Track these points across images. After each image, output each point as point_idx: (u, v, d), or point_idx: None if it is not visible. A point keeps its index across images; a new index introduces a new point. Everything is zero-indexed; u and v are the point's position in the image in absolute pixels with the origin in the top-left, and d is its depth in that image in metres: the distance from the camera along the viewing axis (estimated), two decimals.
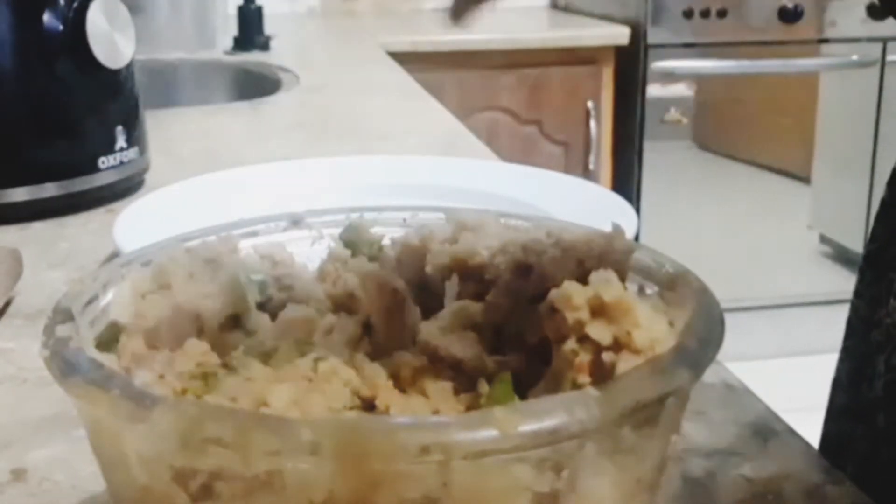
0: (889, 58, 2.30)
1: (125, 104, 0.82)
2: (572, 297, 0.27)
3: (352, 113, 1.20)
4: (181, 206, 0.67)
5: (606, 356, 0.26)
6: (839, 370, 0.56)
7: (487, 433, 0.22)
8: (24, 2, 0.74)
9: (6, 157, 0.75)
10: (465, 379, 0.28)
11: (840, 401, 0.55)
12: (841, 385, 0.56)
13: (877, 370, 0.50)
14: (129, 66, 0.81)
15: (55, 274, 0.64)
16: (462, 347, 0.29)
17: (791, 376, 2.05)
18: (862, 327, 0.53)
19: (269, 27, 1.81)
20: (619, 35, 2.20)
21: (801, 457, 0.41)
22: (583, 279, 0.28)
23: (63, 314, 0.29)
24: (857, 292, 0.55)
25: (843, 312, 0.56)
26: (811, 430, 0.51)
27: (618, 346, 0.26)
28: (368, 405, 0.27)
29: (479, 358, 0.29)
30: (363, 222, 0.37)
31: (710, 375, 0.45)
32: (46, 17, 0.74)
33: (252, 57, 1.72)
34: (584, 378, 0.26)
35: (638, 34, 2.19)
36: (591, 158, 2.23)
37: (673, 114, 2.26)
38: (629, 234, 0.55)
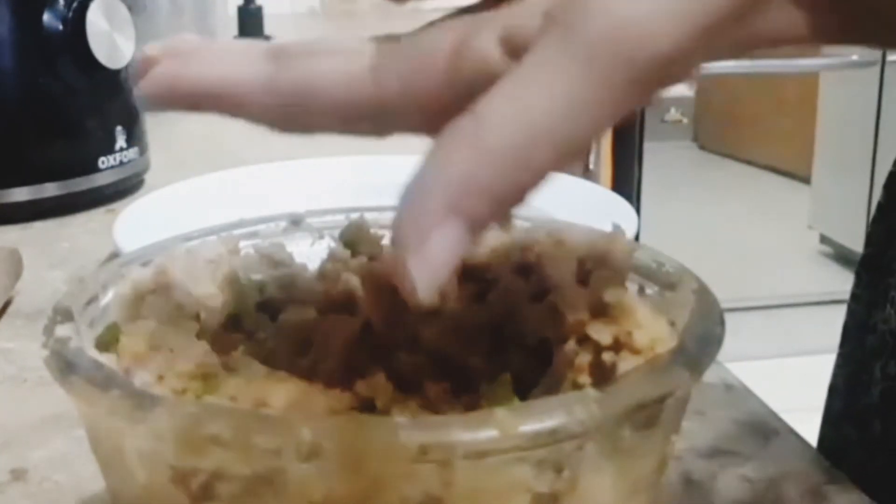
0: (889, 57, 2.30)
1: (125, 104, 0.82)
2: (573, 297, 0.27)
3: None
4: (181, 206, 0.67)
5: (607, 356, 0.26)
6: (836, 375, 0.55)
7: (488, 433, 0.22)
8: (24, 2, 0.74)
9: (6, 157, 0.75)
10: (465, 379, 0.28)
11: (837, 406, 0.55)
12: (837, 390, 0.55)
13: (873, 377, 0.50)
14: (129, 66, 0.81)
15: (55, 274, 0.64)
16: (462, 348, 0.29)
17: (790, 376, 2.05)
18: (858, 332, 0.53)
19: (269, 27, 1.81)
20: None
21: (801, 457, 0.41)
22: (583, 279, 0.28)
23: (63, 314, 0.29)
24: (854, 296, 0.54)
25: (843, 313, 0.56)
26: (810, 430, 0.51)
27: (618, 346, 0.26)
28: (368, 406, 0.27)
29: (479, 358, 0.29)
30: (363, 222, 0.37)
31: (709, 375, 0.45)
32: (46, 17, 0.74)
33: None
34: (584, 378, 0.26)
35: None
36: (591, 158, 2.23)
37: (673, 114, 2.26)
38: (629, 234, 0.55)
